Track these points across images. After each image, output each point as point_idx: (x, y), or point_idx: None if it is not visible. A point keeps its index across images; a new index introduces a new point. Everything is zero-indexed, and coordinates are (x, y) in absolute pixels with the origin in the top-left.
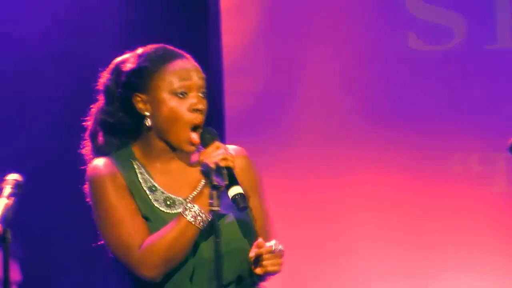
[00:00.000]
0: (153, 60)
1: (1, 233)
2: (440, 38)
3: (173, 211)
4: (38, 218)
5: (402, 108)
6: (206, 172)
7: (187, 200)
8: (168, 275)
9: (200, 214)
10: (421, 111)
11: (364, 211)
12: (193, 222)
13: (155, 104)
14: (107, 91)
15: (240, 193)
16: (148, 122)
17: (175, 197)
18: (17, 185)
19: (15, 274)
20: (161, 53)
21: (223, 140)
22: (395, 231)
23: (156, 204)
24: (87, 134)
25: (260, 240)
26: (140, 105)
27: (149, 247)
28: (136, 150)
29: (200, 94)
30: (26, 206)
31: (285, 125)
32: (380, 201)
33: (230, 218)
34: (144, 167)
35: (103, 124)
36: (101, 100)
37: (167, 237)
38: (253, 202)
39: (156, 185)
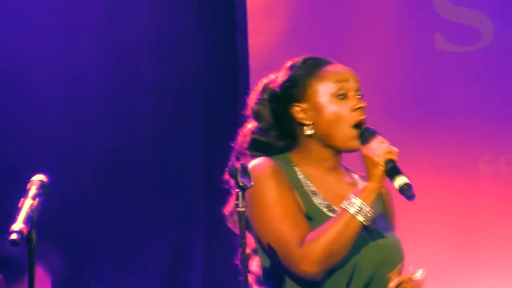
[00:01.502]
0: (307, 67)
1: (26, 234)
2: (467, 39)
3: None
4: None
5: (429, 109)
6: (233, 172)
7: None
8: (325, 282)
9: (364, 208)
10: (448, 111)
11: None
12: (356, 216)
13: (316, 110)
14: (257, 112)
15: (407, 183)
16: (308, 131)
17: (334, 207)
18: (42, 186)
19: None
20: (312, 60)
21: None
22: (422, 232)
23: (320, 206)
24: (232, 157)
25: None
26: (300, 115)
27: (311, 242)
28: (294, 157)
29: (358, 96)
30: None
31: None
32: (409, 202)
33: (382, 224)
34: (303, 174)
35: (253, 144)
36: (250, 122)
37: (330, 231)
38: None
39: (316, 191)
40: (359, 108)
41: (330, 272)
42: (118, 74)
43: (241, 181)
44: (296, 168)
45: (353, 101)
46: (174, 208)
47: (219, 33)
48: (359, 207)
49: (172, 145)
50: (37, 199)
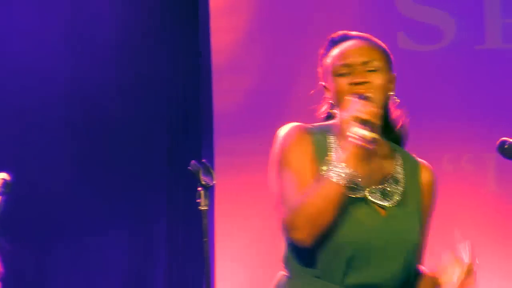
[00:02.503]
0: (326, 47)
1: None
2: (430, 38)
3: (356, 195)
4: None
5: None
6: (195, 171)
7: (369, 190)
8: (324, 256)
9: (338, 169)
10: (412, 110)
11: None
12: (335, 180)
13: (330, 89)
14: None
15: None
16: (332, 108)
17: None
18: (5, 184)
19: None
20: (330, 40)
21: (211, 139)
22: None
23: None
24: None
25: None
26: (326, 94)
27: (296, 208)
28: (334, 127)
29: (362, 72)
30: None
31: (274, 124)
32: None
33: (405, 210)
34: (336, 144)
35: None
36: None
37: (309, 196)
38: (425, 219)
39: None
40: (355, 83)
41: (328, 250)
42: (82, 74)
43: (203, 179)
44: (332, 138)
45: (352, 77)
46: (137, 208)
47: (182, 30)
48: (333, 167)
49: (135, 142)
50: (0, 197)
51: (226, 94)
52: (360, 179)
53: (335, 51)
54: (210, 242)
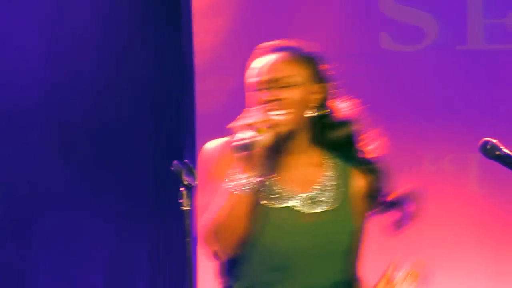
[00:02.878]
0: (253, 58)
1: None
2: (412, 39)
3: (280, 205)
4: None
5: (375, 108)
6: (177, 171)
7: (297, 198)
8: (252, 267)
9: (241, 179)
10: (393, 110)
11: None
12: (235, 190)
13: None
14: None
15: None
16: None
17: (281, 190)
18: None
19: None
20: (257, 51)
21: (193, 139)
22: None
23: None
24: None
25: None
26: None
27: (207, 222)
28: None
29: (267, 91)
30: None
31: None
32: None
33: (334, 215)
34: None
35: None
36: None
37: (216, 209)
38: (360, 228)
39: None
40: (267, 101)
41: (255, 260)
42: (63, 74)
43: (186, 179)
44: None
45: (266, 93)
46: (119, 207)
47: (164, 32)
48: (233, 177)
49: (118, 142)
50: None
51: (209, 94)
52: (257, 182)
53: (256, 65)
54: (193, 242)
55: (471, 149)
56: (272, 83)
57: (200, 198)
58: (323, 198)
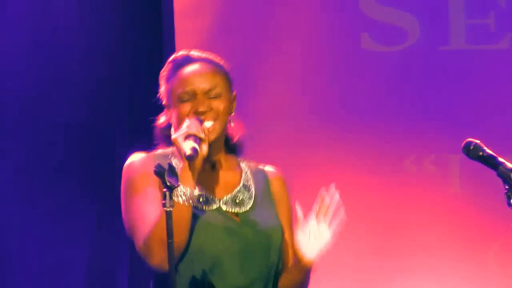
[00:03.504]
0: (167, 70)
1: None
2: (393, 39)
3: (204, 209)
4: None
5: (356, 108)
6: (160, 172)
7: (222, 200)
8: (185, 270)
9: (185, 192)
10: (375, 111)
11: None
12: (175, 198)
13: (171, 111)
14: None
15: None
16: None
17: (207, 194)
18: None
19: None
20: (173, 61)
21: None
22: (345, 231)
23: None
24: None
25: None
26: (167, 113)
27: (147, 234)
28: (176, 151)
29: (202, 100)
30: None
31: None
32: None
33: (258, 214)
34: (179, 165)
35: (161, 136)
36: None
37: (158, 221)
38: (287, 225)
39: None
40: (198, 112)
41: (188, 264)
42: (43, 74)
43: (169, 180)
44: (174, 160)
45: (194, 105)
46: (100, 206)
47: (146, 32)
48: (178, 192)
49: (97, 143)
50: None
51: None
52: (199, 194)
53: (177, 75)
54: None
55: (454, 149)
56: (202, 94)
57: (126, 211)
58: (247, 197)
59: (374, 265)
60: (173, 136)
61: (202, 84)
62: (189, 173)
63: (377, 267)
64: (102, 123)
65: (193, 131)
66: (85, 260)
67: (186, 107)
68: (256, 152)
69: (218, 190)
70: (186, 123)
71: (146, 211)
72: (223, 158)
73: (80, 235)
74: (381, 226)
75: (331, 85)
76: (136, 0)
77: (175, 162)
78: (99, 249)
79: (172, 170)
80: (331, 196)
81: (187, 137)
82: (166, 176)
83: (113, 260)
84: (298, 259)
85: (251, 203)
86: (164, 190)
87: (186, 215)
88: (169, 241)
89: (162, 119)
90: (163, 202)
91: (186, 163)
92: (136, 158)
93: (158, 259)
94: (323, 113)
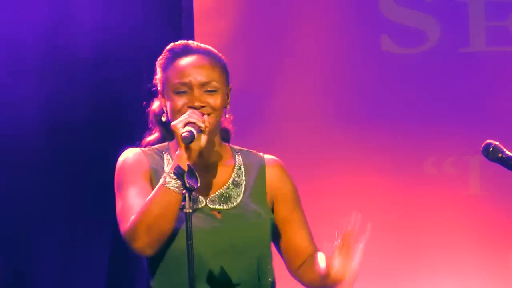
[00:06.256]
0: (165, 59)
1: None
2: (413, 41)
3: (196, 206)
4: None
5: (376, 110)
6: (179, 174)
7: (209, 198)
8: (170, 269)
9: (170, 176)
10: (395, 113)
11: (336, 212)
12: (170, 187)
13: (167, 101)
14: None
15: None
16: (163, 118)
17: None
18: None
19: None
20: (169, 53)
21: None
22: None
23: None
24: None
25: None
26: (161, 101)
27: (134, 218)
28: (171, 145)
29: (198, 93)
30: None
31: (260, 128)
32: (355, 203)
33: (243, 209)
34: (171, 160)
35: (154, 118)
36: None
37: (147, 205)
38: (293, 214)
39: None
40: (194, 107)
41: (172, 262)
42: (61, 74)
43: (188, 182)
44: (167, 156)
45: (190, 97)
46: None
47: (165, 35)
48: (168, 176)
49: (117, 143)
50: None
51: None
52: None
53: (175, 65)
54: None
55: (473, 151)
56: (199, 87)
57: (117, 202)
58: (236, 194)
59: (392, 266)
60: (173, 122)
61: (199, 77)
62: (184, 155)
63: (394, 268)
64: (121, 125)
65: (194, 119)
66: (105, 265)
67: (181, 100)
68: (276, 153)
69: (207, 188)
70: (188, 112)
71: (135, 203)
72: (217, 150)
73: (98, 239)
74: (401, 228)
75: (351, 87)
76: (156, 2)
77: (167, 158)
78: (118, 254)
79: (191, 172)
80: (353, 227)
81: (187, 124)
82: (185, 177)
83: (133, 266)
84: (329, 276)
85: (239, 199)
86: (184, 191)
87: (174, 203)
88: (189, 242)
89: (155, 105)
90: (182, 203)
91: (183, 146)
92: (129, 153)
93: (142, 243)
94: (343, 115)
